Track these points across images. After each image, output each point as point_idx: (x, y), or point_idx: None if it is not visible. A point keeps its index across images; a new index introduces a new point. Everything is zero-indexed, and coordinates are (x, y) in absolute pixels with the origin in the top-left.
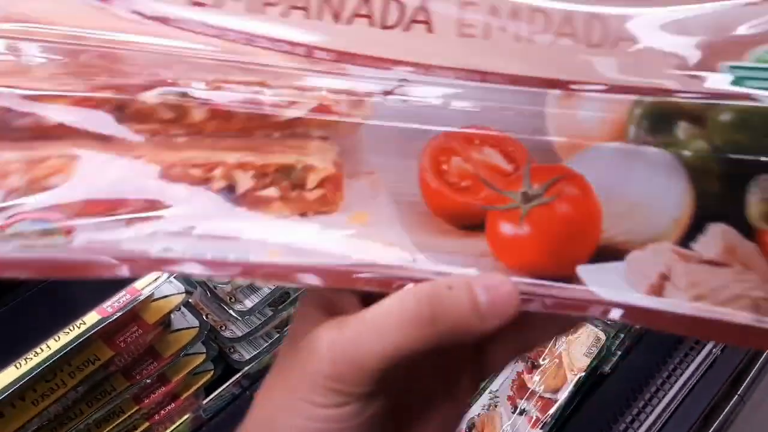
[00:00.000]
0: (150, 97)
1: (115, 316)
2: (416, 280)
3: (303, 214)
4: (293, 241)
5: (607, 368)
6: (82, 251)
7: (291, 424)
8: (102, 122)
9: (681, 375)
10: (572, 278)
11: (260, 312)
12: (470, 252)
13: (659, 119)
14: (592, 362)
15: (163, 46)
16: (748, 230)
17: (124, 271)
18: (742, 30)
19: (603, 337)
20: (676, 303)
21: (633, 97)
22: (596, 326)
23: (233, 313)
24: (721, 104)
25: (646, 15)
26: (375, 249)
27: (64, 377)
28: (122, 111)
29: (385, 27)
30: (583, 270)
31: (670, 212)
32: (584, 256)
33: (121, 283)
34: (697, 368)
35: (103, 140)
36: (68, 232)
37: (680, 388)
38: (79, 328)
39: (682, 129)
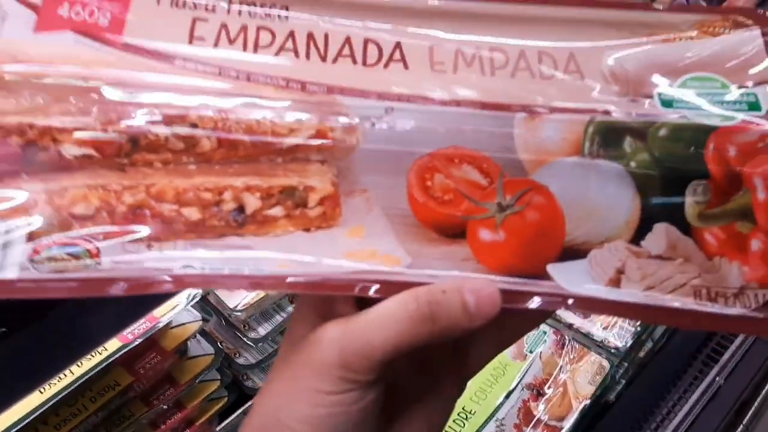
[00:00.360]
0: (162, 129)
1: (136, 343)
2: (411, 284)
3: (307, 230)
4: (300, 254)
5: (611, 396)
6: (109, 272)
7: (297, 411)
8: (118, 154)
9: (685, 404)
10: (544, 276)
11: (272, 339)
12: (455, 257)
13: (609, 136)
14: (596, 390)
15: (172, 84)
16: (686, 228)
17: (168, 287)
18: (670, 61)
19: (607, 365)
20: (631, 293)
21: (587, 117)
22: (600, 354)
23: (247, 341)
24: (658, 121)
25: (589, 51)
26: (373, 258)
27: (86, 402)
28: (136, 143)
29: (366, 65)
30: (552, 268)
31: (622, 215)
32: (552, 256)
33: (140, 311)
34: (700, 397)
35: (120, 169)
36: (95, 254)
37: (684, 417)
38: (101, 354)
39: (628, 143)
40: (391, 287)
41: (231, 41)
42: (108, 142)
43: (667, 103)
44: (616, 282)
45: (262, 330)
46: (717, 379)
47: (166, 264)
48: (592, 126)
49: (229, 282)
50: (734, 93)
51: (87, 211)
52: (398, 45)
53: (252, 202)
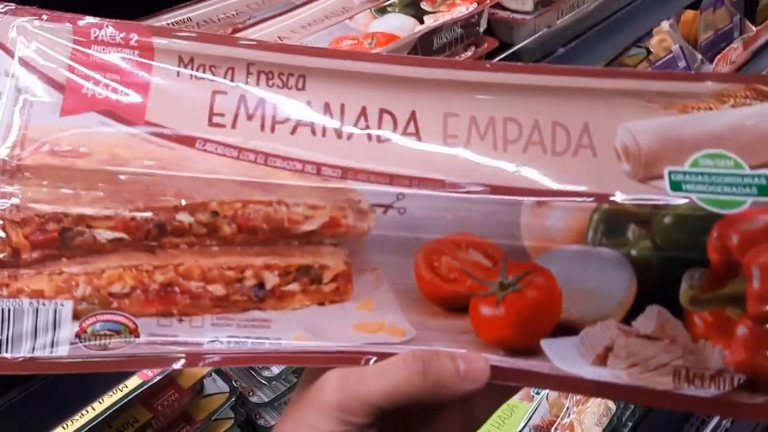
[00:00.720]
0: (186, 217)
1: (155, 380)
2: None
3: (321, 304)
4: (315, 325)
5: None
6: (147, 345)
7: None
8: (146, 237)
9: None
10: (537, 350)
11: (285, 378)
12: (456, 329)
13: (613, 224)
14: None
15: (193, 170)
16: (677, 311)
17: (180, 364)
18: (685, 134)
19: (613, 407)
20: (614, 374)
21: (593, 204)
22: None
23: (261, 379)
24: (664, 209)
25: (604, 121)
26: (380, 330)
27: None
28: (163, 228)
29: (380, 141)
30: (545, 343)
31: (617, 296)
32: (547, 332)
33: None
34: None
35: (150, 251)
36: (134, 330)
37: None
38: (121, 391)
39: (632, 231)
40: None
41: (249, 117)
42: (137, 227)
43: (677, 185)
44: (603, 359)
45: (276, 368)
46: (723, 422)
47: (196, 338)
48: (598, 214)
49: (253, 360)
50: (746, 174)
51: (123, 289)
52: (413, 114)
53: (271, 279)
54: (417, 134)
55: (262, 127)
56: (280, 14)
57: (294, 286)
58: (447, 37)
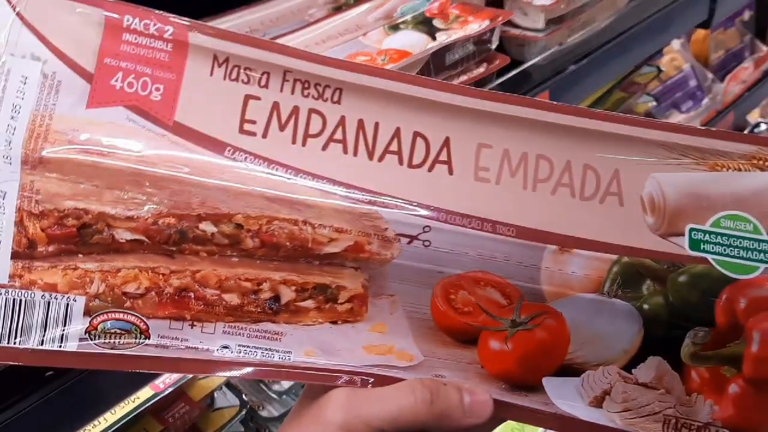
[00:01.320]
0: (209, 227)
1: (167, 392)
2: None
3: (333, 322)
4: (325, 342)
5: None
6: (156, 348)
7: None
8: (167, 242)
9: None
10: (538, 387)
11: (295, 393)
12: (463, 359)
13: (630, 278)
14: None
15: (220, 179)
16: (677, 364)
17: (188, 369)
18: (711, 193)
19: None
20: (608, 415)
21: (613, 257)
22: None
23: (271, 393)
24: (681, 268)
25: (635, 168)
26: (389, 353)
27: None
28: (184, 235)
29: (411, 166)
30: (547, 381)
31: (623, 345)
32: (550, 371)
33: None
34: None
35: (168, 255)
36: (145, 331)
37: None
38: (133, 402)
39: (647, 287)
40: (386, 381)
41: (281, 127)
42: (158, 231)
43: (696, 244)
44: (600, 401)
45: (286, 383)
46: None
47: (207, 344)
48: (617, 266)
49: (259, 373)
50: (763, 240)
51: (138, 290)
52: (447, 141)
53: (287, 294)
54: (449, 163)
55: (294, 139)
56: (295, 31)
57: (309, 303)
58: (459, 53)
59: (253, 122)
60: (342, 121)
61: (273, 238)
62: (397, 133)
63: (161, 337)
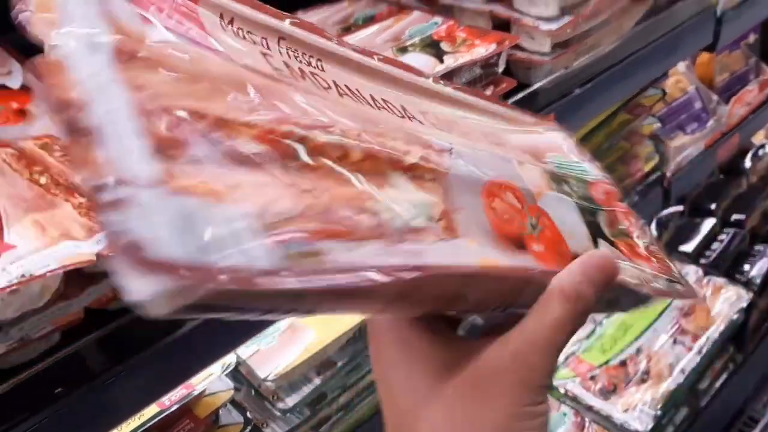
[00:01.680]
0: (320, 135)
1: (172, 409)
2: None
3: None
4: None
5: None
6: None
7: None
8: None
9: None
10: None
11: (299, 411)
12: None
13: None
14: None
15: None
16: (612, 243)
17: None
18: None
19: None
20: None
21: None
22: None
23: (275, 411)
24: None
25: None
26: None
27: None
28: (304, 143)
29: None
30: None
31: (585, 235)
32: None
33: (177, 378)
34: None
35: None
36: (318, 253)
37: None
38: (138, 419)
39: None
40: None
41: (303, 77)
42: (279, 141)
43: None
44: None
45: (290, 401)
46: None
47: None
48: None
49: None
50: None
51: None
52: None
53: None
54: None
55: (318, 88)
56: None
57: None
58: (466, 77)
59: (280, 70)
60: (335, 84)
61: (371, 146)
62: (372, 98)
63: (337, 259)
